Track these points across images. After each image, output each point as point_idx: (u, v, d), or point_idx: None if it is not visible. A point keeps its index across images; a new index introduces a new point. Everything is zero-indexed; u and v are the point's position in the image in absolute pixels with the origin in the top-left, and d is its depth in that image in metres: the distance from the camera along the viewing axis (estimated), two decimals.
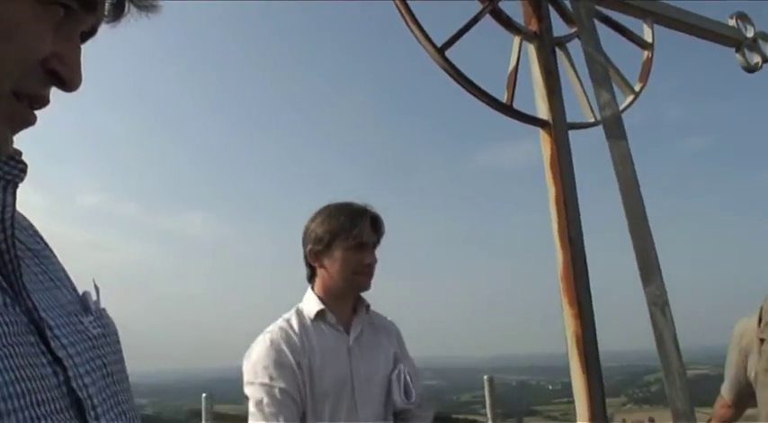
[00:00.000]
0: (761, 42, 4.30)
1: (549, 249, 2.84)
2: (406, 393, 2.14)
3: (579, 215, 2.72)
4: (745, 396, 3.05)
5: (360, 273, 2.10)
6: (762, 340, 1.93)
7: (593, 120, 3.12)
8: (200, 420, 5.39)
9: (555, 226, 2.73)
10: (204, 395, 5.37)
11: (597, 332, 2.60)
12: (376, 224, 2.13)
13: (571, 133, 2.96)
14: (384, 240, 2.18)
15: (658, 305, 2.27)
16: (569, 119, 3.08)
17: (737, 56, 4.21)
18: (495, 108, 2.84)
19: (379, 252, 2.15)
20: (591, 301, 2.66)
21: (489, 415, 5.80)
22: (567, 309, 2.65)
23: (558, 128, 2.82)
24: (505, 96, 2.87)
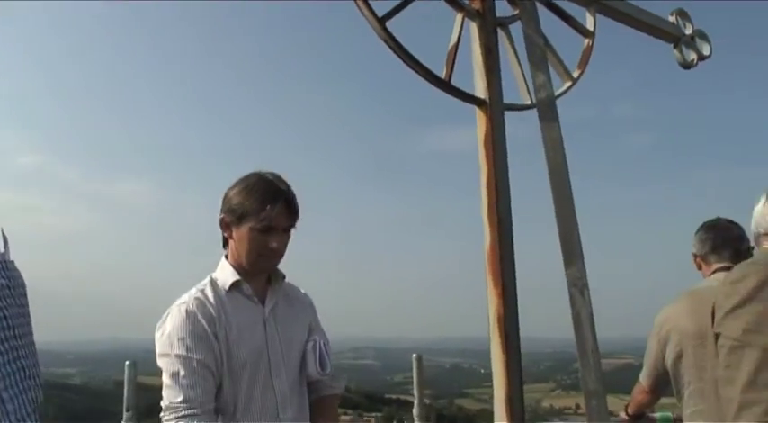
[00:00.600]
0: (698, 40, 4.41)
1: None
2: (321, 364, 2.16)
3: (509, 196, 2.74)
4: (662, 383, 3.15)
5: (264, 255, 2.07)
6: (717, 335, 1.99)
7: (529, 102, 3.14)
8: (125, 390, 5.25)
9: (484, 205, 2.74)
10: (127, 363, 5.22)
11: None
12: (291, 208, 2.08)
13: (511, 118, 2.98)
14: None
15: (578, 287, 2.31)
16: (507, 101, 3.10)
17: (675, 52, 4.30)
18: (433, 83, 2.82)
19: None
20: (515, 282, 2.68)
21: (416, 393, 5.86)
22: (491, 288, 2.67)
23: (494, 107, 2.82)
24: (444, 72, 2.86)
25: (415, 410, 5.77)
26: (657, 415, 3.68)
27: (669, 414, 3.71)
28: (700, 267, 2.93)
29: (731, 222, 3.04)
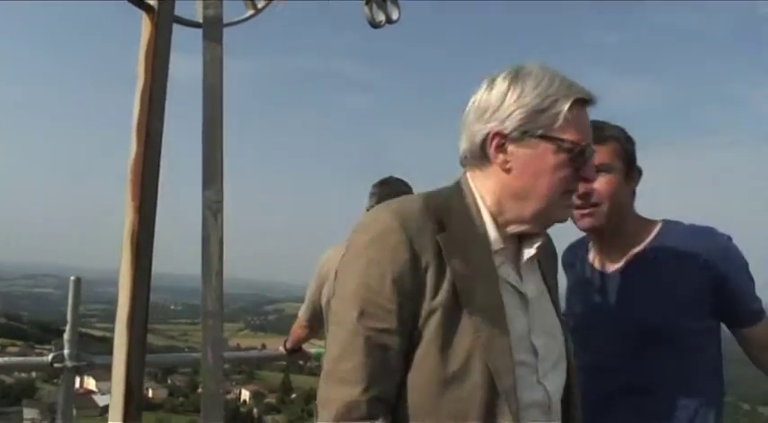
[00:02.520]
0: (389, 3, 4.69)
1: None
2: None
3: (163, 110, 2.63)
4: (319, 319, 3.27)
5: None
6: None
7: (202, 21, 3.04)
8: None
9: (135, 117, 2.60)
10: None
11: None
12: None
13: None
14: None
15: (212, 210, 2.33)
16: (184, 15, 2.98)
17: (365, 8, 4.52)
18: None
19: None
20: (155, 200, 2.61)
21: (69, 318, 5.49)
22: (128, 202, 2.57)
23: (162, 16, 2.67)
24: None
25: (66, 335, 5.41)
26: (313, 351, 3.90)
27: (324, 350, 3.98)
28: None
29: (401, 181, 3.28)
